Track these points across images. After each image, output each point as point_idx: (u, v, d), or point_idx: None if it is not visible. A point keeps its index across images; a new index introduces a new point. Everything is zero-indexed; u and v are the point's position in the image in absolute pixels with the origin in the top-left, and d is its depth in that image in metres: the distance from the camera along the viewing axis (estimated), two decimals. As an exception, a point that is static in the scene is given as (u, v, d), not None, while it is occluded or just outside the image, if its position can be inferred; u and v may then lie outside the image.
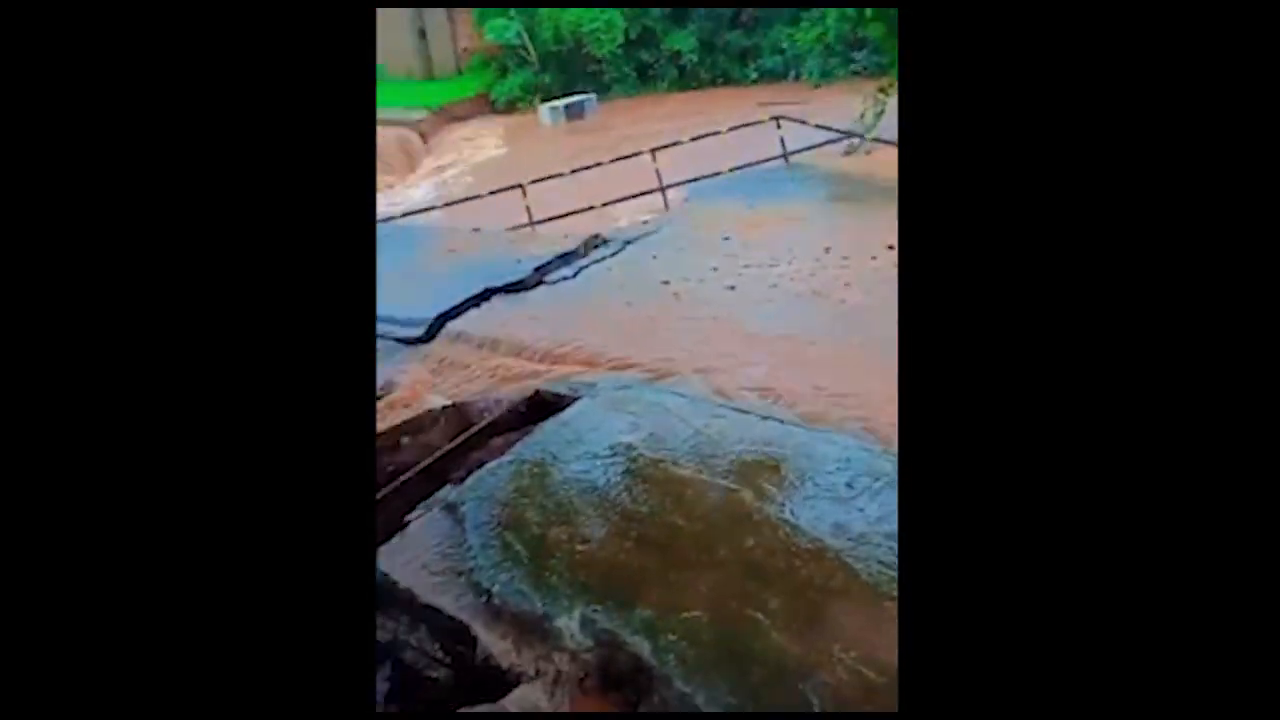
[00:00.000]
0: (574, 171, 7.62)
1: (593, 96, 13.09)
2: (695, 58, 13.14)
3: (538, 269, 4.67)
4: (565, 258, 4.91)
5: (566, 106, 12.62)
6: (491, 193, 7.47)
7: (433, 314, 4.13)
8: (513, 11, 14.13)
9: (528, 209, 7.35)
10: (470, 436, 2.65)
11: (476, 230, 6.14)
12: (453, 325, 3.96)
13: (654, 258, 4.74)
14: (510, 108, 14.37)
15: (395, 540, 1.96)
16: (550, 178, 7.44)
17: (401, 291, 4.57)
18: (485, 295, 4.33)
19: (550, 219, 7.08)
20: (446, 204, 7.93)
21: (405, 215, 7.43)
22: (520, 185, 7.27)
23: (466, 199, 7.64)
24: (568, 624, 1.62)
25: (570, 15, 13.66)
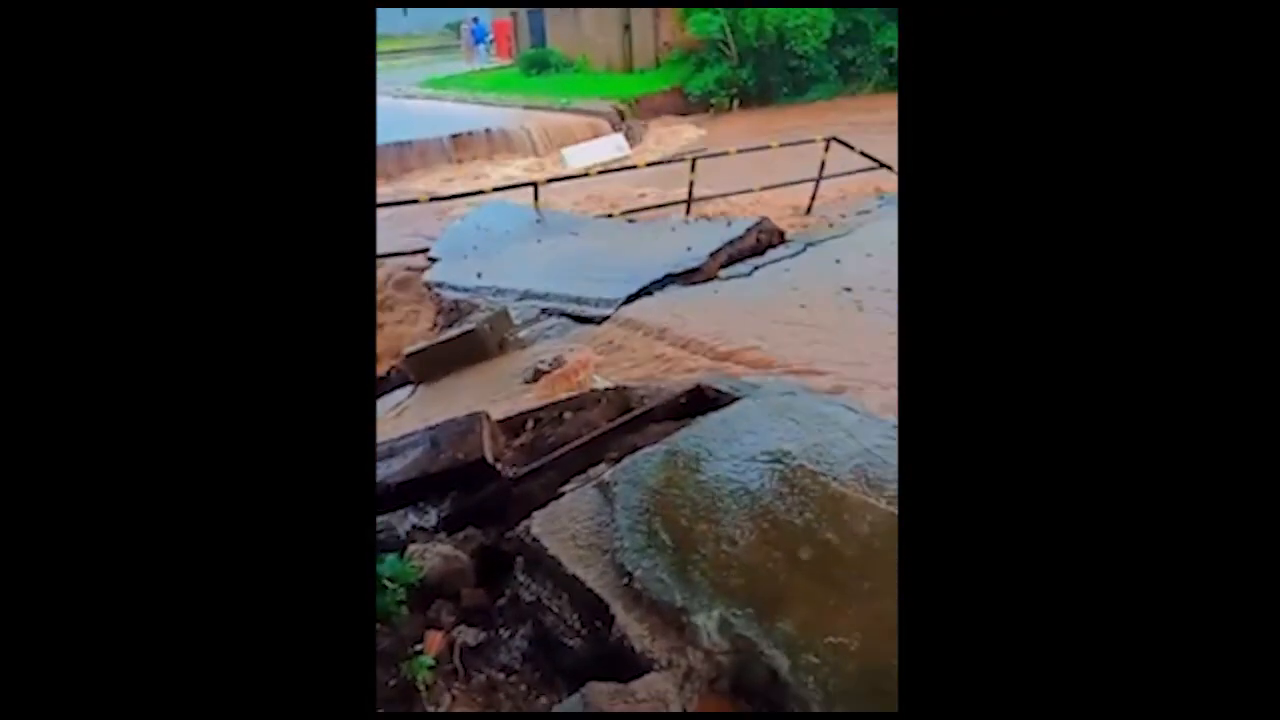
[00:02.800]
0: (601, 172, 8.38)
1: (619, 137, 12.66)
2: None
3: (713, 254, 4.73)
4: (734, 244, 4.94)
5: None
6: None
7: (601, 295, 4.30)
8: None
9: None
10: (629, 420, 2.70)
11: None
12: (623, 311, 4.07)
13: (837, 262, 4.56)
14: (703, 102, 14.49)
15: (549, 508, 2.04)
16: (569, 178, 8.29)
17: (566, 270, 4.78)
18: (664, 282, 4.42)
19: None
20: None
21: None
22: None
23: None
24: (705, 623, 1.60)
25: (776, 10, 13.53)
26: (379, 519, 2.32)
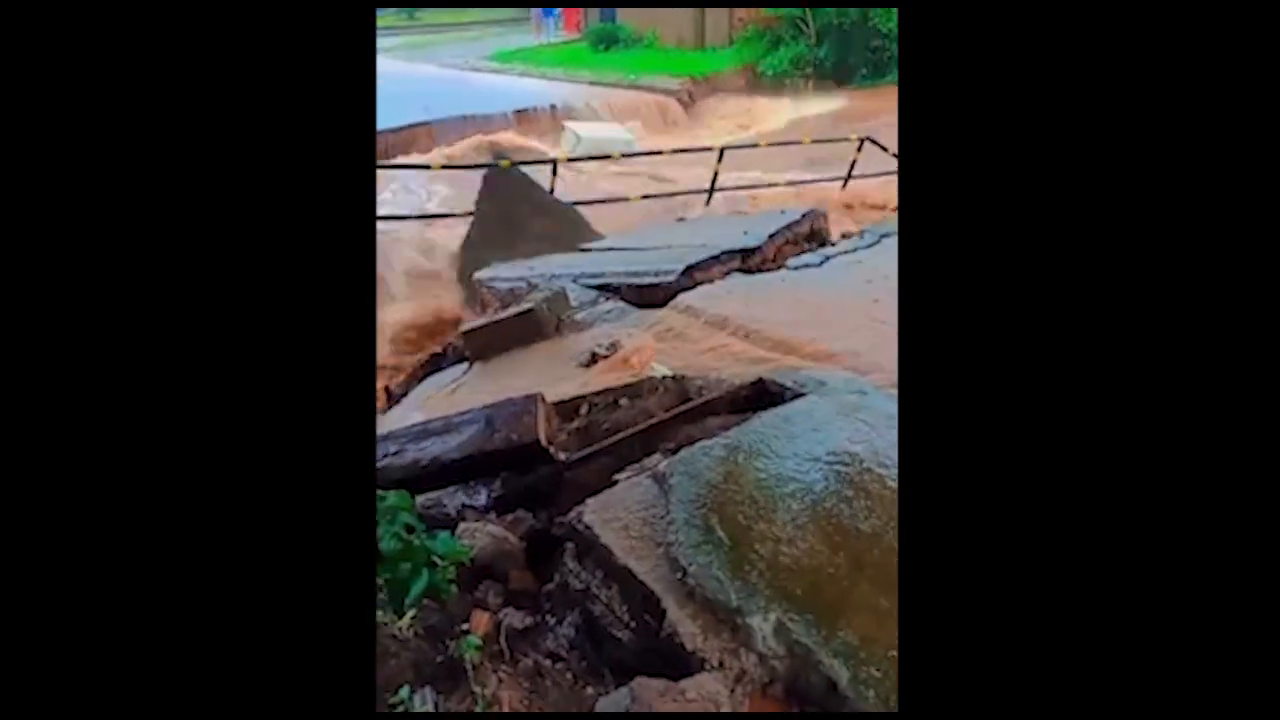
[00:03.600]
0: (625, 156, 8.41)
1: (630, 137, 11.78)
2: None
3: (771, 236, 4.69)
4: (791, 228, 4.87)
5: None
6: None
7: (662, 267, 4.27)
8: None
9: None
10: (687, 411, 2.64)
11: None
12: (683, 298, 3.99)
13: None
14: (778, 82, 14.11)
15: (603, 496, 2.00)
16: (591, 158, 8.52)
17: (620, 259, 4.74)
18: (721, 257, 4.37)
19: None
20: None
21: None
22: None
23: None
24: (761, 625, 1.54)
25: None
26: (430, 495, 2.34)
